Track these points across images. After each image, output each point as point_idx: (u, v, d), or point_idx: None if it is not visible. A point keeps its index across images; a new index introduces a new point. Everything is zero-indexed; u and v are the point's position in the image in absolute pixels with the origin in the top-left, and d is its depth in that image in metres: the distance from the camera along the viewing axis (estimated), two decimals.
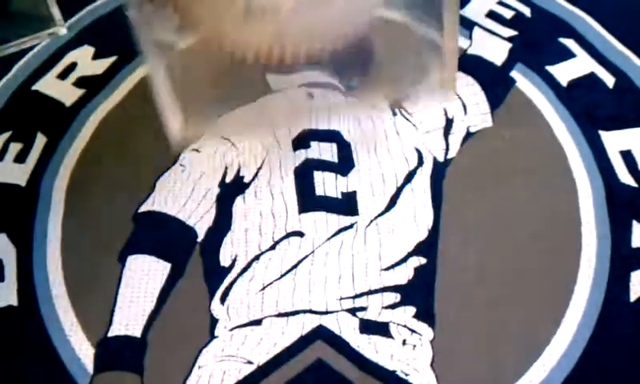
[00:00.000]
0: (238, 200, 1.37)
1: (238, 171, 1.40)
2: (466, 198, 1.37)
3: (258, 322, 1.23)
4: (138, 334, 1.22)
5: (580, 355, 1.17)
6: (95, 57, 1.68)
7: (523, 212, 1.35)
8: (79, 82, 1.63)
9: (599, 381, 1.15)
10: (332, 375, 1.16)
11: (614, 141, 1.43)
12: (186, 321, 1.25)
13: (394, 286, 1.25)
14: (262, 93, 1.49)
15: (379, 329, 1.21)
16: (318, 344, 1.20)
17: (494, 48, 1.59)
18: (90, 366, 1.20)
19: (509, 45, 1.61)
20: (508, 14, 1.68)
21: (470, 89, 1.51)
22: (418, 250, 1.30)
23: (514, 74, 1.55)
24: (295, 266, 1.28)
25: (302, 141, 1.43)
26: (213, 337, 1.22)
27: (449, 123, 1.47)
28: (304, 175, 1.38)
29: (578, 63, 1.57)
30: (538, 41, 1.61)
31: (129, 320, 1.24)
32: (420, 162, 1.40)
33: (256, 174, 1.39)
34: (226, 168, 1.40)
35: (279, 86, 1.56)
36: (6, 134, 1.54)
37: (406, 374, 1.16)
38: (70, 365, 1.21)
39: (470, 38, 1.63)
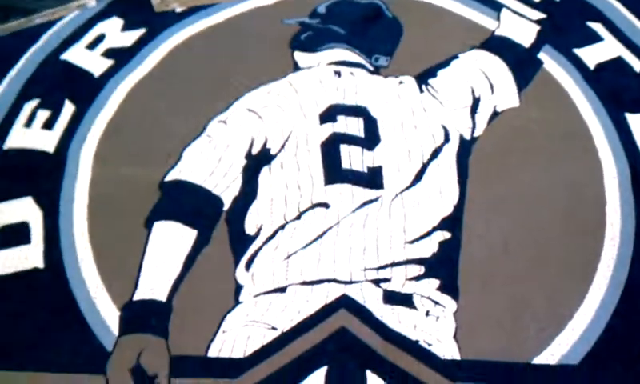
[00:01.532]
0: (264, 171, 1.38)
1: (265, 143, 1.40)
2: (492, 175, 1.38)
3: (282, 290, 1.24)
4: (163, 298, 1.24)
5: (602, 331, 1.18)
6: (124, 28, 1.69)
7: (548, 190, 1.36)
8: (108, 53, 1.64)
9: (621, 357, 1.16)
10: (355, 343, 1.17)
11: None
12: (211, 286, 1.26)
13: (419, 259, 1.26)
14: None
15: (403, 300, 1.22)
16: (341, 313, 1.21)
17: (522, 30, 1.60)
18: (115, 328, 1.22)
19: (537, 27, 1.61)
20: None
21: (497, 69, 1.52)
22: (442, 225, 1.31)
23: (541, 55, 1.56)
24: (320, 237, 1.29)
25: (328, 115, 1.44)
26: (237, 302, 1.24)
27: (476, 102, 1.47)
28: (330, 148, 1.39)
29: (605, 47, 1.57)
30: (565, 24, 1.62)
31: (154, 284, 1.25)
32: (446, 139, 1.41)
33: (282, 146, 1.40)
34: (253, 140, 1.41)
35: (307, 63, 1.57)
36: (34, 102, 1.55)
37: (429, 344, 1.17)
38: (95, 327, 1.22)
39: (498, 19, 1.64)
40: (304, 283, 1.25)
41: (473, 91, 1.49)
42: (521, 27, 1.61)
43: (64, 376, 1.19)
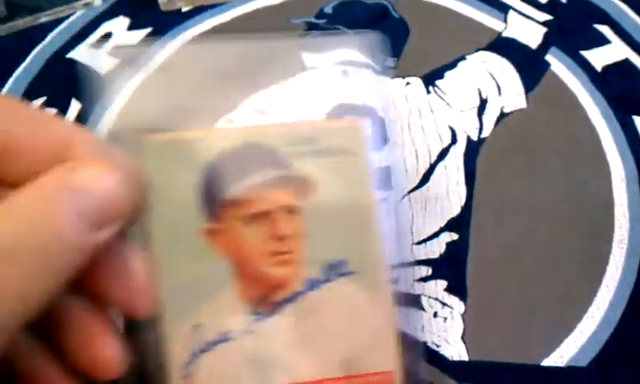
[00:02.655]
0: None
1: None
2: (499, 177, 1.37)
3: None
4: None
5: (611, 333, 1.18)
6: (130, 27, 1.68)
7: (555, 193, 1.35)
8: (114, 52, 1.64)
9: (630, 359, 1.16)
10: None
11: None
12: None
13: (426, 260, 1.26)
14: None
15: (410, 301, 1.22)
16: None
17: (528, 31, 1.59)
18: None
19: (544, 29, 1.61)
20: None
21: (504, 70, 1.52)
22: (450, 226, 1.30)
23: (548, 57, 1.55)
24: None
25: (336, 115, 1.42)
26: None
27: (483, 103, 1.47)
28: None
29: (612, 49, 1.57)
30: (572, 26, 1.61)
31: None
32: (454, 140, 1.41)
33: None
34: None
35: (314, 63, 1.56)
36: (40, 100, 1.54)
37: (437, 346, 1.17)
38: None
39: (505, 21, 1.63)
40: None
41: (480, 92, 1.48)
42: (528, 29, 1.60)
43: None
